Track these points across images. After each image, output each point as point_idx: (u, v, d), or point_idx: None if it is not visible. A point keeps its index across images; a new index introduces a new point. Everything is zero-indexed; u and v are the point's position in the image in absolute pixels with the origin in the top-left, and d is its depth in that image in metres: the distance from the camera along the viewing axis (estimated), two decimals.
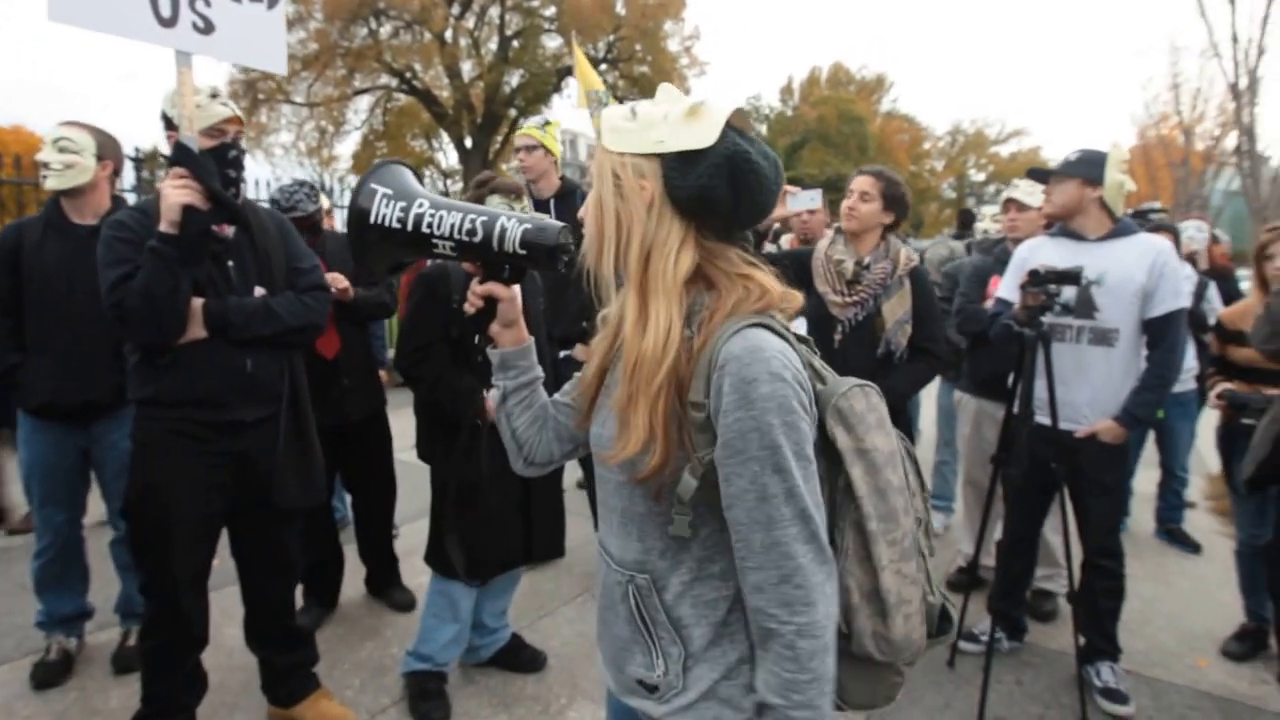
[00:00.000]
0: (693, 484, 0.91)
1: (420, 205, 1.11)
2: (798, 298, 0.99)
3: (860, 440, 0.94)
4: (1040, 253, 2.63)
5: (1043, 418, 2.51)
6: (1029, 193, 3.25)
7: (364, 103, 25.77)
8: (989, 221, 4.55)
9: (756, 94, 38.41)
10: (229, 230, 2.00)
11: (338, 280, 2.74)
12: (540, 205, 3.31)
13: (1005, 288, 2.74)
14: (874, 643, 0.95)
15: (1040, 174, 2.67)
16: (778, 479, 0.86)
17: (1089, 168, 2.50)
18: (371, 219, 1.12)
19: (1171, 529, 4.04)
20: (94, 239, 2.39)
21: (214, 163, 1.86)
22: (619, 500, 1.02)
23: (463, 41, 24.55)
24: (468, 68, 24.75)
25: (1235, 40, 10.03)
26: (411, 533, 3.71)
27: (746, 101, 34.77)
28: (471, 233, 1.09)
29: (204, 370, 1.96)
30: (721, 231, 0.98)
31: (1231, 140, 13.76)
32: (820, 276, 2.69)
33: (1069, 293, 2.45)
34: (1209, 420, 4.05)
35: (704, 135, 0.93)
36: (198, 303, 1.93)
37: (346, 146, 27.39)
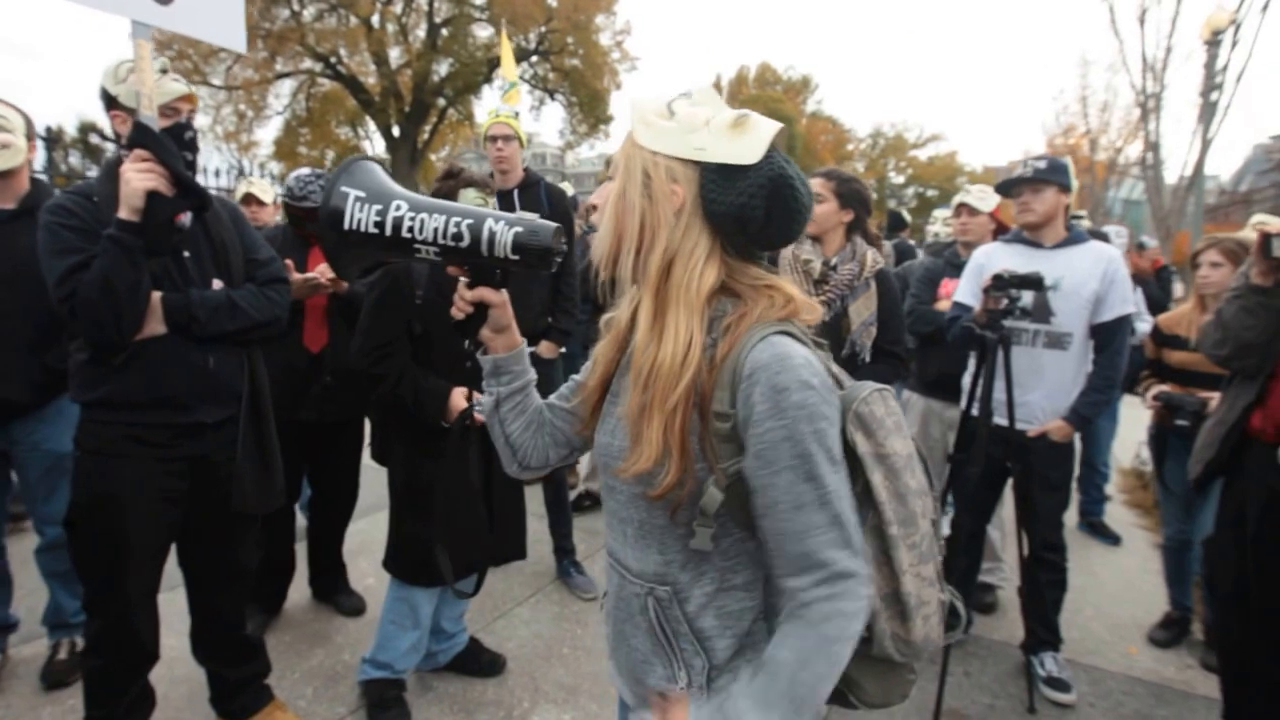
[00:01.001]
0: (718, 497, 0.89)
1: (398, 208, 1.04)
2: (819, 308, 0.97)
3: (880, 445, 0.93)
4: (996, 259, 2.70)
5: (998, 418, 2.61)
6: (980, 198, 3.38)
7: (286, 87, 24.70)
8: (940, 225, 4.72)
9: (687, 91, 38.92)
10: (186, 219, 1.87)
11: (327, 271, 2.62)
12: (503, 196, 3.22)
13: (964, 292, 2.82)
14: (894, 645, 0.96)
15: (1013, 184, 2.69)
16: (810, 487, 0.85)
17: (1062, 175, 2.59)
18: (346, 224, 1.05)
19: (1093, 522, 4.29)
20: (14, 224, 2.26)
21: (176, 144, 1.73)
22: (635, 512, 0.99)
23: (390, 27, 23.81)
24: (395, 54, 24.05)
25: (1144, 59, 10.84)
26: (355, 533, 3.51)
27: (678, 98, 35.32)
28: (458, 237, 1.03)
29: (163, 369, 1.82)
30: (744, 249, 0.95)
31: (1133, 150, 14.81)
32: (787, 276, 2.70)
33: (1028, 297, 2.55)
34: (1125, 417, 4.36)
35: (749, 151, 0.90)
36: (156, 296, 1.79)
37: (268, 132, 26.24)
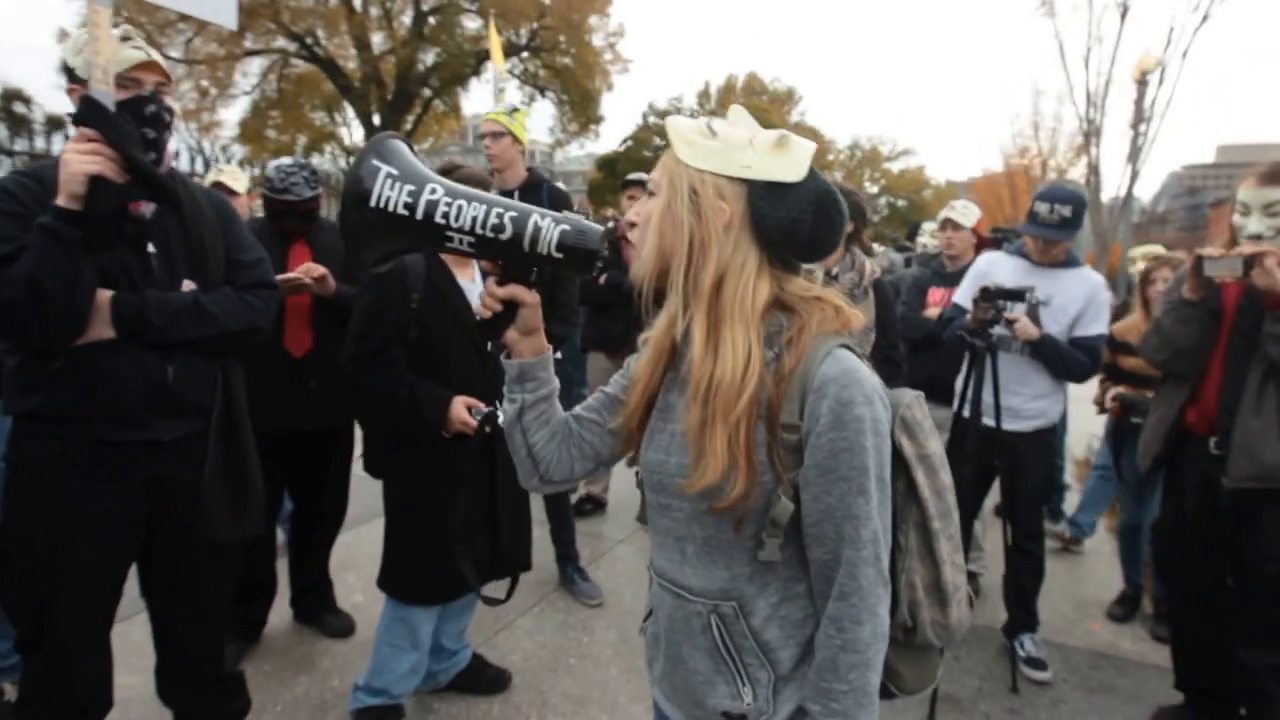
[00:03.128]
0: (790, 507, 0.92)
1: (433, 191, 0.98)
2: (861, 316, 1.02)
3: (922, 446, 0.99)
4: (998, 268, 2.88)
5: (987, 419, 2.75)
6: (963, 214, 3.61)
7: (256, 66, 23.68)
8: (928, 236, 4.96)
9: (678, 95, 38.85)
10: (146, 208, 1.65)
11: (313, 269, 2.49)
12: (504, 196, 3.25)
13: (963, 295, 2.97)
14: (934, 631, 1.01)
15: (1046, 230, 2.73)
16: (861, 500, 0.90)
17: (1083, 218, 2.78)
18: (373, 201, 0.97)
19: (1051, 509, 4.54)
20: None
21: (132, 122, 1.53)
22: (698, 529, 0.99)
23: (374, 11, 23.18)
24: (378, 40, 23.41)
25: (1088, 92, 11.84)
26: (341, 546, 3.30)
27: (669, 102, 35.24)
28: (498, 229, 0.98)
29: (110, 378, 1.57)
30: (788, 262, 0.99)
31: (1077, 170, 15.89)
32: None
33: (1020, 308, 2.68)
34: (1074, 414, 4.62)
35: (794, 170, 0.95)
36: (105, 295, 1.55)
37: (233, 113, 25.18)
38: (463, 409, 2.04)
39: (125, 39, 1.64)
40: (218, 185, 3.57)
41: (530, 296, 1.03)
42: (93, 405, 1.57)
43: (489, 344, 1.11)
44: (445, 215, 0.98)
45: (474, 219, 0.98)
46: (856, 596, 0.91)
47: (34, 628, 1.60)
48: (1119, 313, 3.50)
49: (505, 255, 1.01)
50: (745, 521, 0.95)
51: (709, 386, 0.93)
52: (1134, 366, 3.13)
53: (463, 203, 0.99)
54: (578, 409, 1.17)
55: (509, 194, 3.21)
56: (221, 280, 1.78)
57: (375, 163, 0.98)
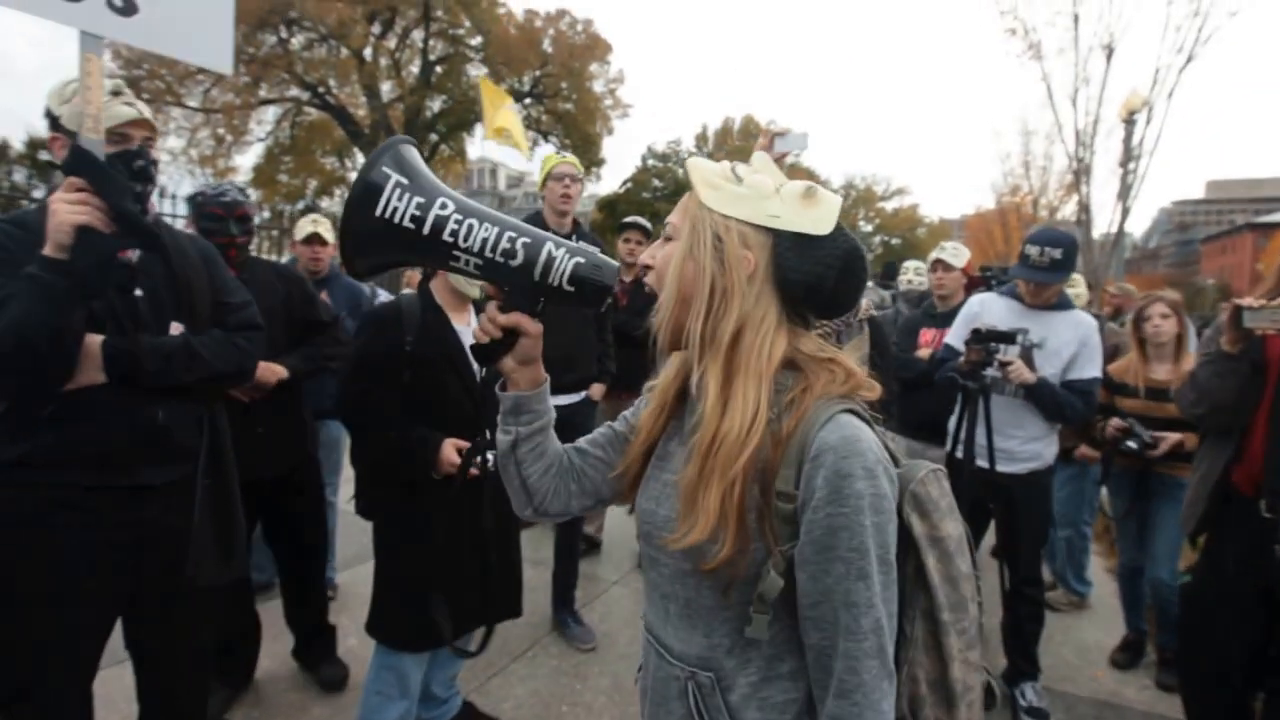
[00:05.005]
0: (779, 584, 0.86)
1: (443, 206, 0.93)
2: (878, 386, 0.95)
3: (935, 528, 0.91)
4: (990, 309, 2.87)
5: (980, 461, 2.72)
6: (954, 254, 3.62)
7: (270, 113, 24.61)
8: (913, 274, 4.99)
9: (676, 138, 39.99)
10: (132, 252, 1.65)
11: (274, 372, 2.46)
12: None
13: (954, 336, 2.97)
14: None
15: (1036, 273, 2.74)
16: (862, 585, 0.82)
17: (1074, 260, 2.75)
18: (379, 210, 0.91)
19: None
20: None
21: (124, 172, 1.53)
22: (682, 590, 0.95)
23: (383, 61, 24.09)
24: (387, 88, 24.30)
25: (1076, 132, 12.08)
26: (344, 588, 3.33)
27: (666, 145, 35.99)
28: (509, 254, 0.94)
29: (100, 422, 1.56)
30: (804, 317, 0.96)
31: (1069, 208, 16.21)
32: None
33: (1013, 350, 2.67)
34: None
35: (823, 223, 0.91)
36: (95, 340, 1.54)
37: (246, 159, 25.89)
38: (453, 451, 2.04)
39: (117, 94, 1.66)
40: (313, 238, 3.45)
41: (534, 327, 0.99)
42: (82, 450, 1.56)
43: (483, 371, 1.06)
44: (454, 233, 0.94)
45: (485, 241, 0.94)
46: (859, 694, 0.82)
47: (20, 680, 1.57)
48: (1110, 354, 3.49)
49: (513, 281, 0.97)
50: (732, 590, 0.89)
51: (713, 441, 0.88)
52: (1132, 408, 3.10)
53: (474, 222, 0.94)
54: (581, 442, 1.13)
55: (565, 238, 3.24)
56: (209, 322, 1.79)
57: (386, 169, 0.93)
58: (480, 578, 2.13)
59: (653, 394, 1.05)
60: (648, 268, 1.00)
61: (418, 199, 0.93)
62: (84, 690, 1.67)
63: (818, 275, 0.91)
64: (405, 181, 0.93)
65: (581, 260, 0.96)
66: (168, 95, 21.50)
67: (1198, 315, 11.40)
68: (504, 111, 6.24)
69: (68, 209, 1.41)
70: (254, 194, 24.91)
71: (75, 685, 1.64)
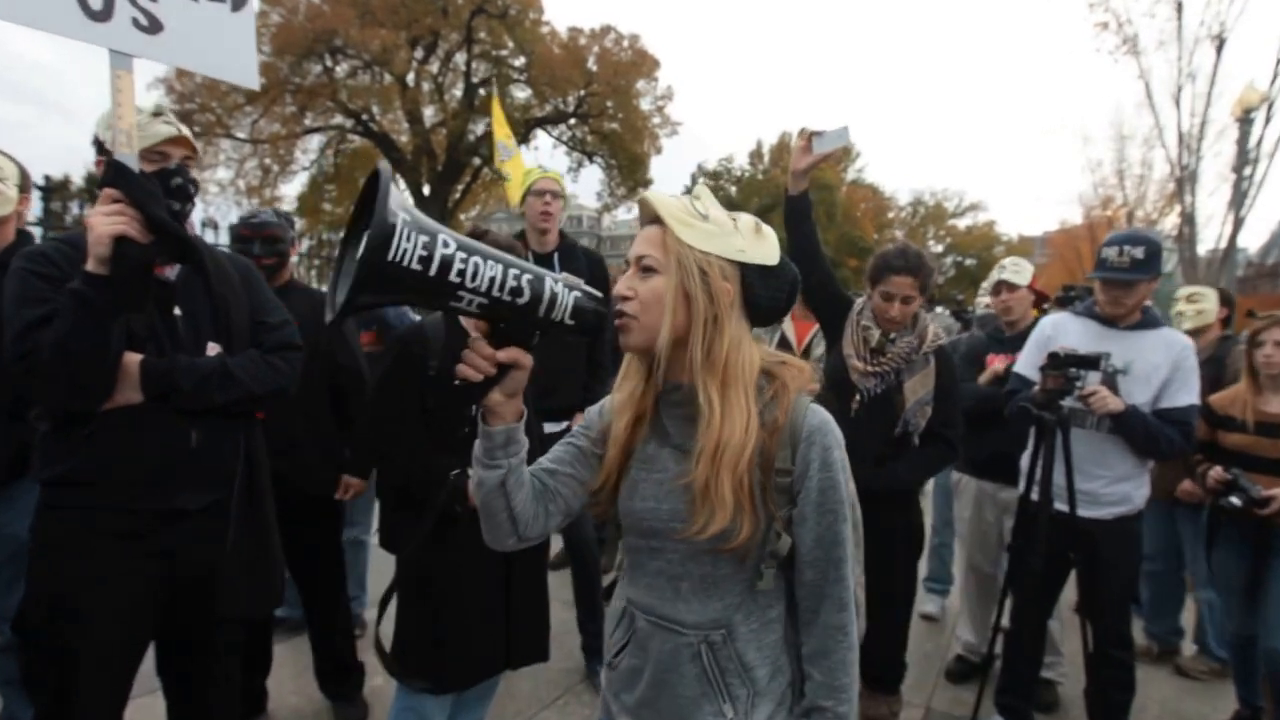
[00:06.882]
0: (789, 541, 1.08)
1: (446, 245, 0.89)
2: (814, 377, 1.17)
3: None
4: (1065, 331, 2.56)
5: (1060, 504, 2.43)
6: (1016, 271, 3.28)
7: (314, 142, 25.18)
8: (989, 296, 4.62)
9: (729, 155, 39.54)
10: (171, 271, 1.67)
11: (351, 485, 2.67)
12: (541, 259, 3.11)
13: (1024, 364, 2.67)
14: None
15: (1112, 283, 2.47)
16: (844, 527, 1.08)
17: (1158, 264, 2.42)
18: (391, 253, 0.84)
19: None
20: None
21: (158, 185, 1.55)
22: (697, 568, 1.10)
23: (425, 86, 24.53)
24: (430, 113, 24.67)
25: (1180, 135, 11.11)
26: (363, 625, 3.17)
27: (719, 163, 35.78)
28: (516, 291, 0.94)
29: (135, 444, 1.57)
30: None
31: (1169, 220, 14.97)
32: (848, 338, 2.52)
33: (1094, 377, 2.37)
34: None
35: (773, 253, 1.11)
36: (133, 359, 1.56)
37: (292, 188, 26.27)
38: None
39: (157, 114, 1.69)
40: None
41: (528, 359, 1.02)
42: (116, 471, 1.57)
43: (476, 409, 1.04)
44: (460, 273, 0.91)
45: (492, 279, 0.93)
46: (850, 599, 1.09)
47: (56, 704, 1.58)
48: (1214, 381, 3.09)
49: (515, 319, 0.98)
50: (748, 555, 1.08)
51: (718, 445, 1.03)
52: (1238, 444, 2.70)
53: (478, 260, 0.92)
54: (546, 463, 1.20)
55: (548, 256, 3.09)
56: (247, 342, 1.78)
57: (394, 207, 0.86)
58: (505, 617, 2.03)
59: (623, 405, 1.15)
60: (626, 298, 1.08)
61: (423, 238, 0.87)
62: (116, 713, 1.66)
63: (776, 299, 1.12)
64: (408, 218, 0.87)
65: (580, 294, 1.01)
66: (218, 127, 22.22)
67: None
68: (516, 159, 6.24)
69: (104, 220, 1.44)
70: (299, 222, 25.69)
71: (106, 704, 1.63)
